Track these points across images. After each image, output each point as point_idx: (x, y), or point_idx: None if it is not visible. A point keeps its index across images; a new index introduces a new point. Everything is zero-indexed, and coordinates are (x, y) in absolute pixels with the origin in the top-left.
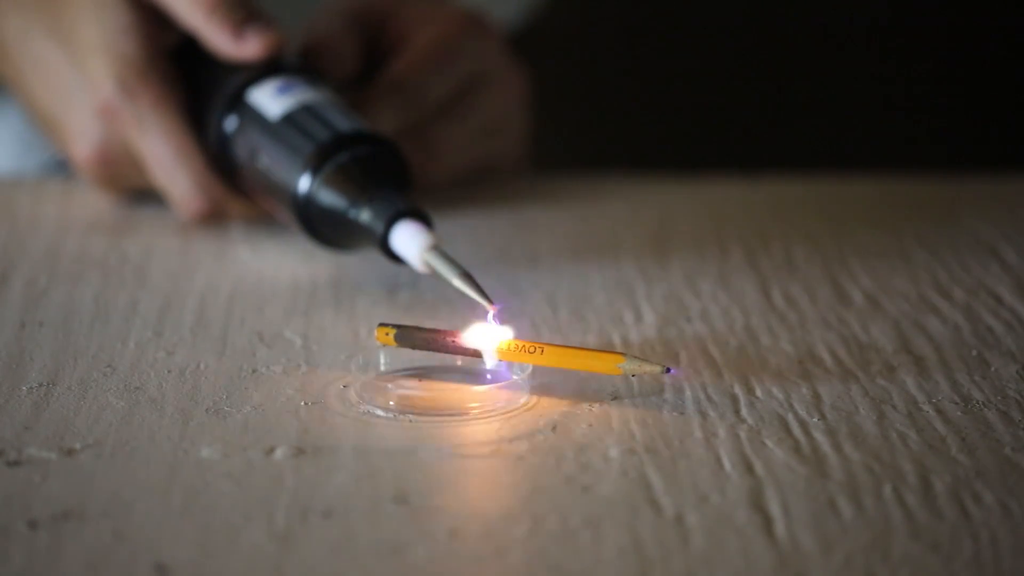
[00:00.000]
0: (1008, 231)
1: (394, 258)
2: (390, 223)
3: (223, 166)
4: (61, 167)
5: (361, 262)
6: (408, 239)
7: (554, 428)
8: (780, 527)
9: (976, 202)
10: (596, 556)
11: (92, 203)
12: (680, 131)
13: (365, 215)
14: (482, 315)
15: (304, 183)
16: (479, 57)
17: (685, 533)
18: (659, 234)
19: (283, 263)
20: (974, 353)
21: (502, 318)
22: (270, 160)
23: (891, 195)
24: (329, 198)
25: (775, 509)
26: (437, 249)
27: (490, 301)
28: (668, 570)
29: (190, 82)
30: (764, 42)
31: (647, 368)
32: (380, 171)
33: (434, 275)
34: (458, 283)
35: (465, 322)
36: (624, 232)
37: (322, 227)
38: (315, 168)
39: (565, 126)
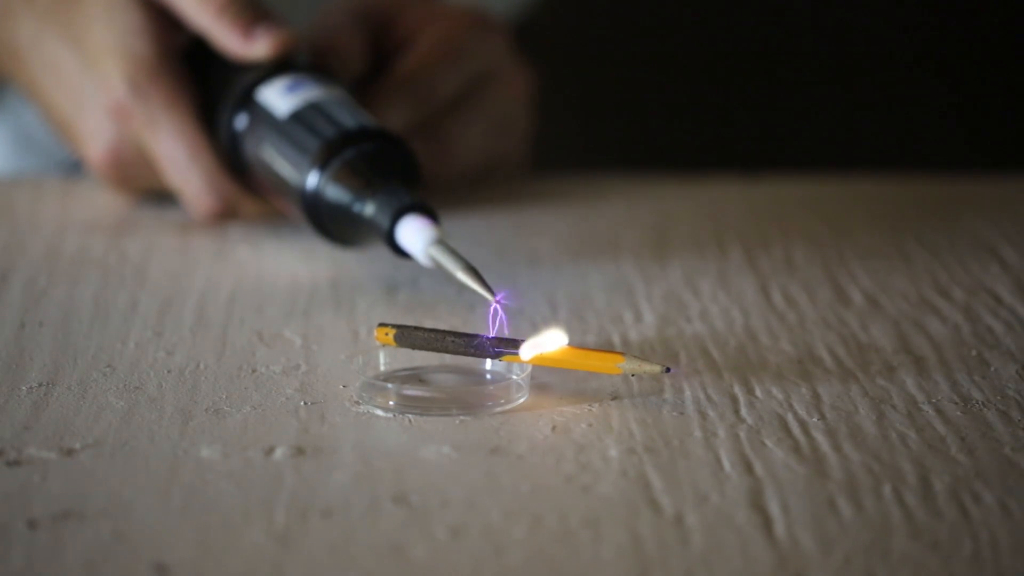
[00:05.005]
0: (1008, 231)
1: (400, 253)
2: (395, 218)
3: (234, 164)
4: (76, 168)
5: (361, 262)
6: (413, 233)
7: (554, 428)
8: (780, 527)
9: (976, 202)
10: (596, 556)
11: (92, 203)
12: (680, 131)
13: (370, 209)
14: (486, 308)
15: (312, 180)
16: (486, 56)
17: (685, 533)
18: (659, 234)
19: (283, 263)
20: (974, 353)
21: (506, 311)
22: (279, 158)
23: (891, 195)
24: (336, 194)
25: (775, 509)
26: (442, 243)
27: (492, 294)
28: (668, 570)
29: (201, 82)
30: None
31: (647, 368)
32: (386, 167)
33: (438, 269)
34: (462, 276)
35: (464, 321)
36: (624, 232)
37: (330, 223)
38: (322, 164)
39: (565, 126)
